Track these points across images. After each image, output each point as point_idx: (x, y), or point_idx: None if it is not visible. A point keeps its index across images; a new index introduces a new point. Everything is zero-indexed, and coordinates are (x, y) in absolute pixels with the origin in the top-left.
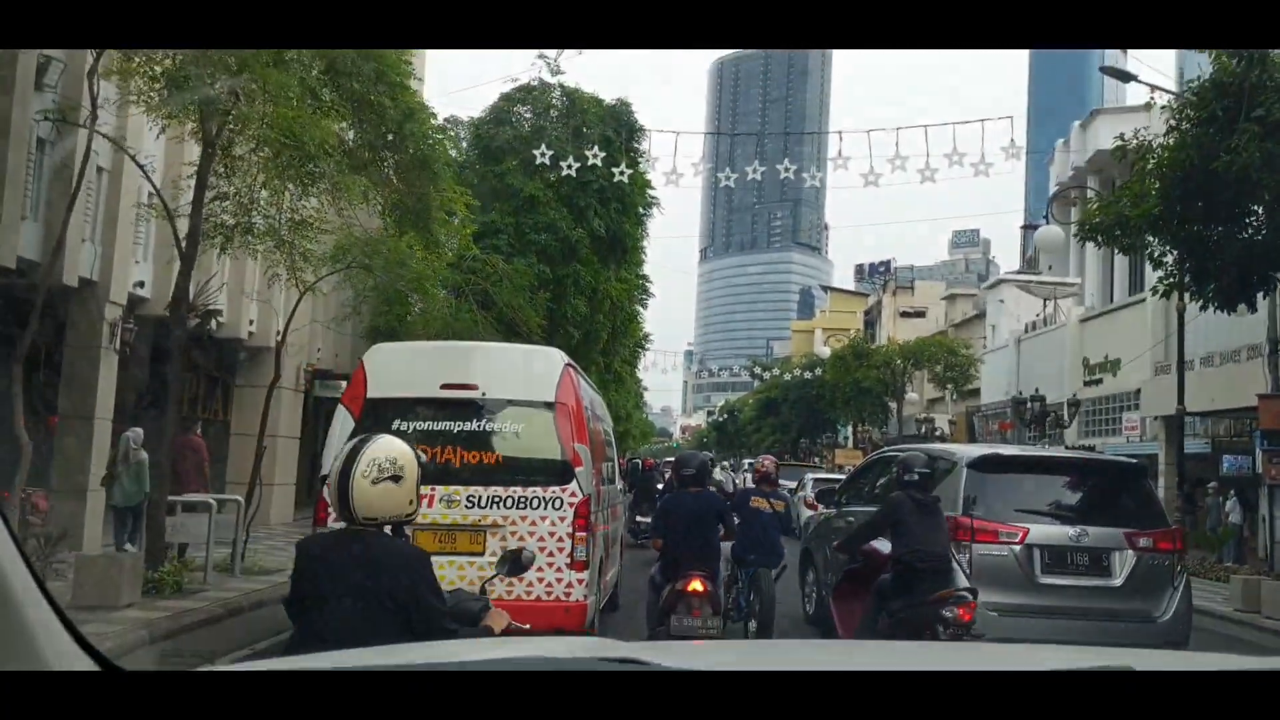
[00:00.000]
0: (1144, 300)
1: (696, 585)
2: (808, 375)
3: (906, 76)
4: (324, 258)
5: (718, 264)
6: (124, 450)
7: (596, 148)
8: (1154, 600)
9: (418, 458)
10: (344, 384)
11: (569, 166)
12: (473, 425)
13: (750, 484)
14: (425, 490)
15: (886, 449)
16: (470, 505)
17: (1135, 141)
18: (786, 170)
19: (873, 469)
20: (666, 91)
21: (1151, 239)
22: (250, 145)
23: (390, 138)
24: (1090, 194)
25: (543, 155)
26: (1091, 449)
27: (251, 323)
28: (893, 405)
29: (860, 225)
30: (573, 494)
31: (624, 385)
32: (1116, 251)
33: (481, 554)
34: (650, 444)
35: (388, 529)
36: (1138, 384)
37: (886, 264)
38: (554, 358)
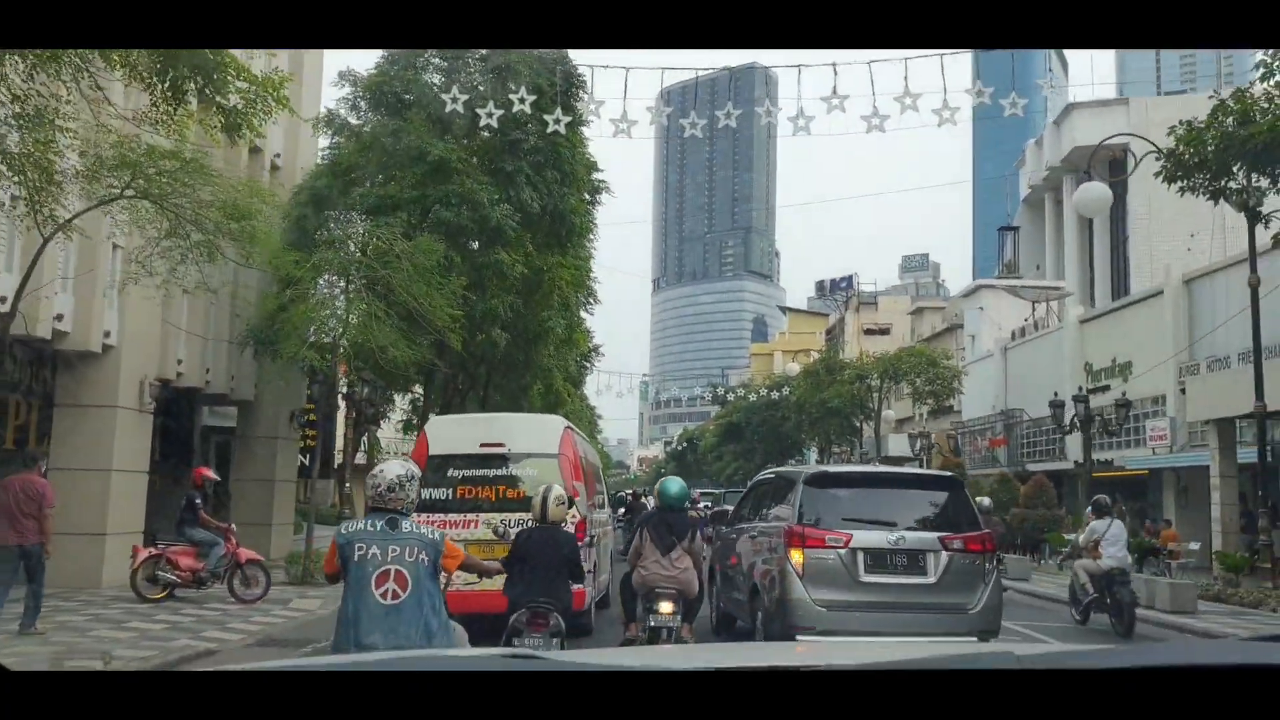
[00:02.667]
0: (1160, 294)
1: None
2: (774, 396)
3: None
4: (81, 174)
5: (670, 294)
6: None
7: (524, 90)
8: (966, 594)
9: (472, 494)
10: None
11: (489, 115)
12: (502, 471)
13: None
14: (471, 517)
15: (763, 473)
16: (503, 526)
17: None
18: (768, 114)
19: (757, 489)
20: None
21: (1242, 179)
22: None
23: None
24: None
25: (455, 101)
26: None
27: (60, 318)
28: (861, 425)
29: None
30: (573, 515)
31: (569, 407)
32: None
33: None
34: (606, 475)
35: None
36: (1155, 389)
37: (848, 279)
38: (557, 423)
